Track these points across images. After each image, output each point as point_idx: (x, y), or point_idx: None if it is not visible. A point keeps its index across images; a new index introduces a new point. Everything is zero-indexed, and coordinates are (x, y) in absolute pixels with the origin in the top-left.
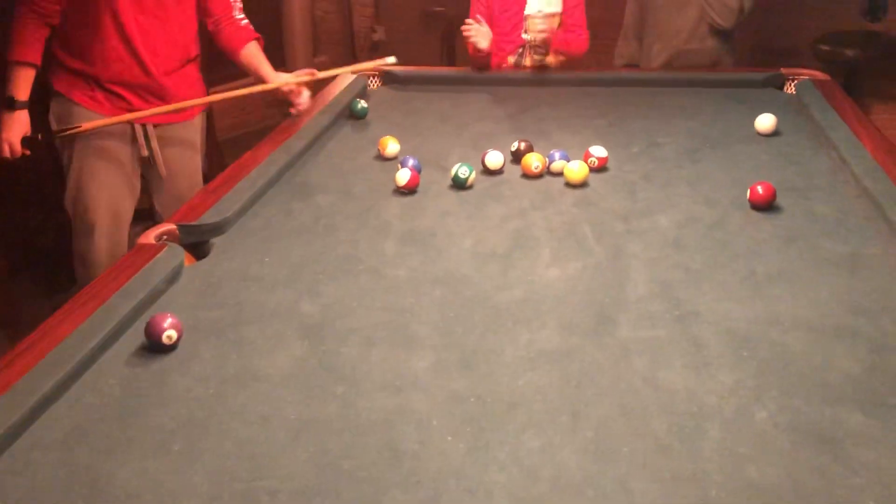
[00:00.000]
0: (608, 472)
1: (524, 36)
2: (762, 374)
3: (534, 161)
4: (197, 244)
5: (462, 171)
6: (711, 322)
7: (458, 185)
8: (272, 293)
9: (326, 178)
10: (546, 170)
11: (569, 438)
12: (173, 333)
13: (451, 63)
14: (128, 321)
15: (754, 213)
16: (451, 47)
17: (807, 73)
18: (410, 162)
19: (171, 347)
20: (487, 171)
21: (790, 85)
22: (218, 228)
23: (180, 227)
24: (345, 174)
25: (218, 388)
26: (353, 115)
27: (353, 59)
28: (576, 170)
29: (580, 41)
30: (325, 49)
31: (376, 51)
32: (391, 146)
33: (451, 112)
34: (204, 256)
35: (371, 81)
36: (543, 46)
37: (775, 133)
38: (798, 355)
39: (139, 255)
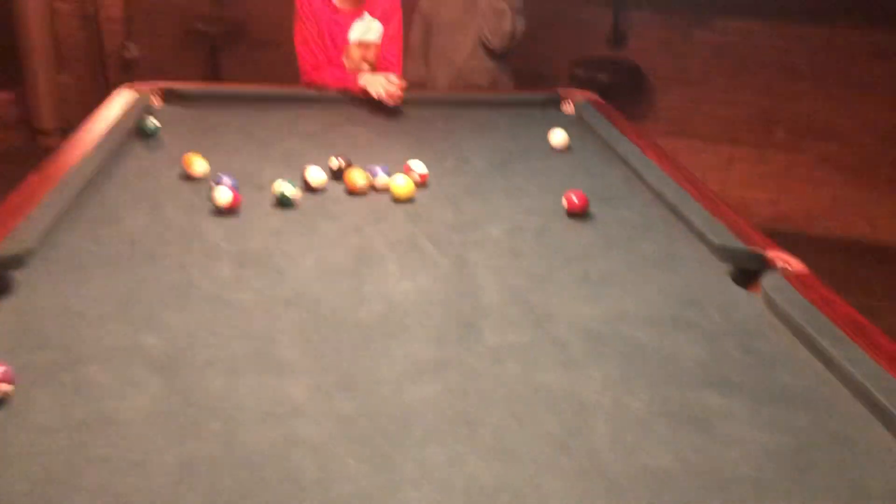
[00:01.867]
0: (517, 475)
1: (344, 60)
2: (625, 367)
3: (358, 177)
4: None
5: (286, 188)
6: (566, 322)
7: (283, 203)
8: (103, 328)
9: (131, 201)
10: (370, 186)
11: (471, 446)
12: (6, 387)
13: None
14: None
15: (572, 221)
16: (217, 66)
17: (580, 94)
18: (227, 180)
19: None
20: (309, 189)
21: (567, 104)
22: (17, 260)
23: None
24: (151, 195)
25: (70, 438)
26: (144, 134)
27: (104, 78)
28: (402, 185)
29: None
30: (69, 66)
31: (129, 70)
32: (198, 164)
33: (252, 129)
34: (6, 293)
35: (153, 98)
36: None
37: (568, 148)
38: (650, 347)
39: None
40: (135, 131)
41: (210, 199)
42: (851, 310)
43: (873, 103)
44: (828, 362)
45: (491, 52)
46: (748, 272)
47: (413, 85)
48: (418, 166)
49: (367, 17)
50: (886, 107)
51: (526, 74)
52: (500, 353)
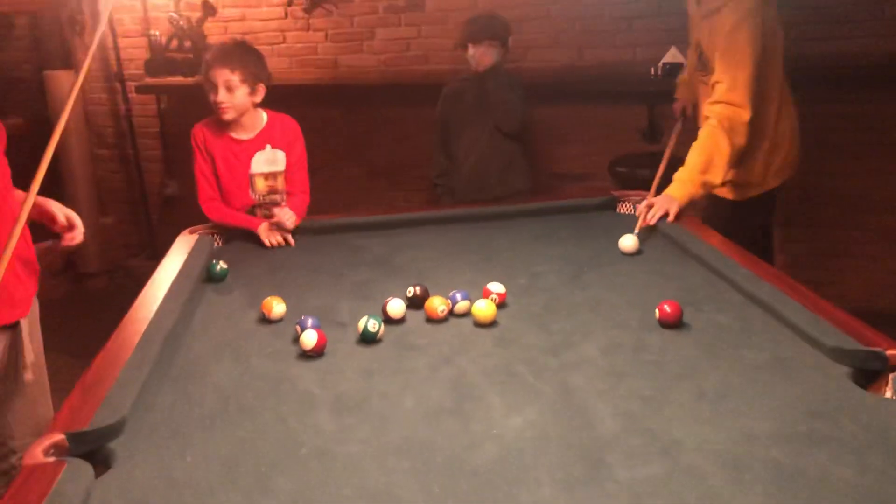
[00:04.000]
0: None
1: (251, 194)
2: (774, 496)
3: (439, 304)
4: (90, 453)
5: (371, 324)
6: (695, 448)
7: (368, 339)
8: (215, 498)
9: (214, 352)
10: (450, 312)
11: None
12: None
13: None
14: None
15: (667, 332)
16: None
17: (634, 195)
18: (311, 321)
19: None
20: (389, 321)
21: (623, 206)
22: (114, 430)
23: (70, 436)
24: (233, 344)
25: None
26: (213, 279)
27: (146, 217)
28: (484, 308)
29: (302, 206)
30: (111, 209)
31: (170, 205)
32: (277, 307)
33: (318, 262)
34: (107, 466)
35: (216, 238)
36: (275, 205)
37: (638, 252)
38: (793, 470)
39: (35, 481)
40: (204, 276)
41: (295, 342)
42: None
43: None
44: None
45: (505, 137)
46: (869, 372)
47: (439, 175)
48: (496, 287)
49: (268, 148)
50: None
51: (567, 176)
52: (636, 492)
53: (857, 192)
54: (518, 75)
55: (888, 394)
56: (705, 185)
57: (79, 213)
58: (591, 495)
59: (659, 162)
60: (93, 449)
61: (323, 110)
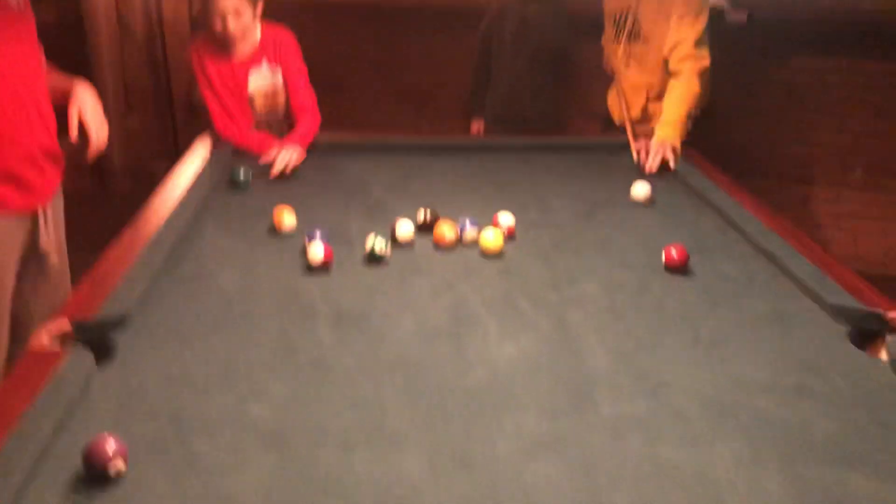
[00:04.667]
0: None
1: (252, 112)
2: (754, 442)
3: (448, 231)
4: (95, 344)
5: (378, 243)
6: (683, 390)
7: (374, 259)
8: (210, 397)
9: (223, 257)
10: (458, 239)
11: None
12: (121, 465)
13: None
14: (49, 448)
15: (671, 276)
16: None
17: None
18: (319, 235)
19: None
20: (397, 243)
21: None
22: (120, 323)
23: (76, 324)
24: (242, 251)
25: None
26: (234, 185)
27: (172, 122)
28: (492, 239)
29: (310, 130)
30: (137, 111)
31: (196, 112)
32: (288, 219)
33: (333, 179)
34: (110, 357)
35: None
36: (277, 122)
37: (651, 202)
38: (777, 418)
39: (39, 365)
40: (226, 181)
41: (302, 255)
42: None
43: None
44: None
45: (544, 63)
46: (867, 333)
47: (475, 91)
48: (506, 218)
49: (264, 64)
50: None
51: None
52: (618, 426)
53: (884, 153)
54: (566, 4)
55: (883, 356)
56: (692, 97)
57: (105, 112)
58: (573, 426)
59: None
60: (96, 339)
61: (353, 29)
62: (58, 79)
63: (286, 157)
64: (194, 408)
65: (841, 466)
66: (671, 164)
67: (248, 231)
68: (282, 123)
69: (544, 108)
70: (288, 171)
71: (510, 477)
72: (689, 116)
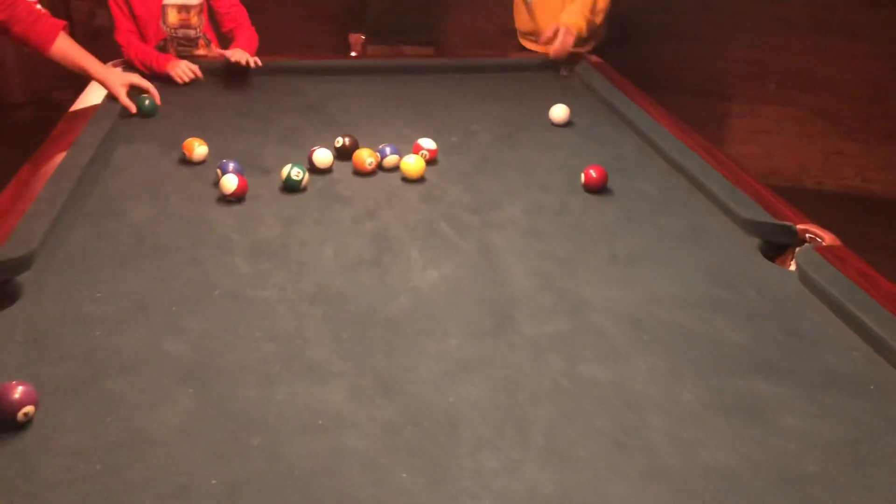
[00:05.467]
0: (578, 481)
1: (162, 26)
2: (670, 355)
3: (367, 157)
4: None
5: (295, 172)
6: (602, 308)
7: (292, 187)
8: (124, 335)
9: (132, 191)
10: (378, 165)
11: (525, 451)
12: (30, 408)
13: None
14: None
15: (590, 197)
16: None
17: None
18: (232, 166)
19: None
20: (316, 171)
21: (565, 68)
22: (24, 263)
23: None
24: (152, 184)
25: (105, 461)
26: (141, 114)
27: None
28: (413, 164)
29: (251, 43)
30: None
31: (100, 37)
32: (199, 149)
33: (246, 105)
34: (13, 299)
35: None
36: (188, 40)
37: (569, 123)
38: (691, 332)
39: None
40: (127, 111)
41: (215, 186)
42: (889, 283)
43: (866, 54)
44: (874, 342)
45: None
46: (777, 245)
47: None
48: (427, 143)
49: None
50: (879, 57)
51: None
52: (539, 346)
53: (797, 68)
54: None
55: (792, 267)
56: (589, 23)
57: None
58: (495, 347)
59: (611, 24)
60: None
61: None
62: None
63: (238, 55)
64: (108, 347)
65: (751, 374)
66: (570, 43)
67: (157, 163)
68: (192, 44)
69: (423, 21)
70: (250, 63)
71: (433, 400)
72: (592, 12)
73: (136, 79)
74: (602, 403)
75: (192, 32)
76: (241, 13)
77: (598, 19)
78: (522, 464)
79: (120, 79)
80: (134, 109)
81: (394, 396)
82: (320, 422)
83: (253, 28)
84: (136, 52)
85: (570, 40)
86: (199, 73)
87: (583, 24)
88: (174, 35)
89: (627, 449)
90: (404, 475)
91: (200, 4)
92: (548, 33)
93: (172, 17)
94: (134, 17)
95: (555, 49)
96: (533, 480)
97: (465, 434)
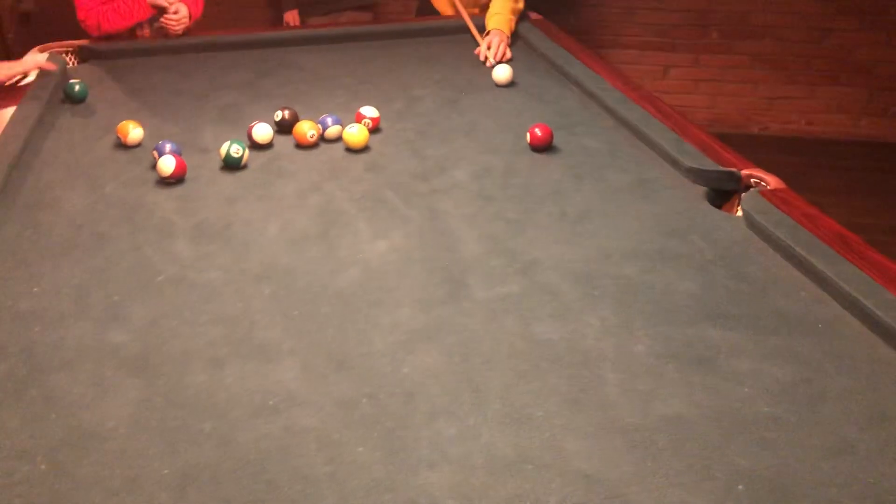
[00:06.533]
0: (535, 441)
1: None
2: (621, 309)
3: (308, 129)
4: None
5: (234, 149)
6: (552, 267)
7: (232, 165)
8: (64, 329)
9: (67, 179)
10: (320, 137)
11: (482, 415)
12: None
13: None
14: None
15: (537, 156)
16: None
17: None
18: (168, 147)
19: None
20: (256, 146)
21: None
22: None
23: None
24: (87, 170)
25: (51, 461)
26: (71, 100)
27: (0, 35)
28: (356, 133)
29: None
30: None
31: (27, 23)
32: (134, 131)
33: (181, 85)
34: None
35: (70, 58)
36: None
37: (512, 83)
38: (641, 284)
39: None
40: (59, 97)
41: (153, 169)
42: (834, 223)
43: None
44: (821, 282)
45: None
46: (723, 192)
47: None
48: (369, 111)
49: None
50: (817, 0)
51: None
52: (492, 309)
53: (737, 16)
54: None
55: (738, 212)
56: (514, 11)
57: None
58: (448, 313)
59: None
60: None
61: None
62: None
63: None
64: (48, 342)
65: (702, 322)
66: (507, 53)
67: (91, 149)
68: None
69: None
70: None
71: (388, 372)
72: (514, 12)
73: (46, 64)
74: (556, 362)
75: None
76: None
77: (521, 4)
78: (479, 428)
79: (34, 60)
80: (54, 66)
81: (347, 371)
82: (272, 402)
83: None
84: (102, 25)
85: (506, 45)
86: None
87: (511, 18)
88: None
89: (583, 405)
90: (360, 449)
91: None
92: (482, 51)
93: None
94: None
95: (495, 62)
96: (491, 444)
97: (420, 403)
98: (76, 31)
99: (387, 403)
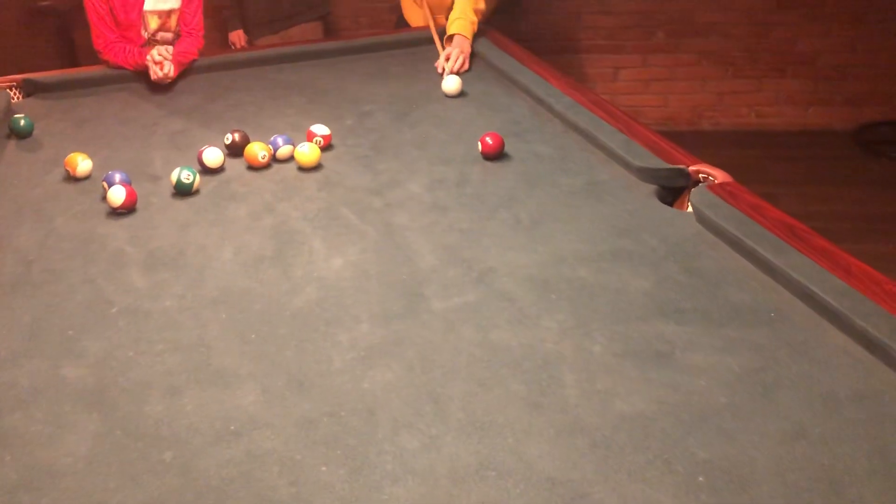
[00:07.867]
0: (498, 448)
1: (143, 33)
2: (577, 311)
3: (259, 151)
4: None
5: (185, 175)
6: (508, 274)
7: (183, 191)
8: (18, 367)
9: (14, 214)
10: (272, 158)
11: (444, 426)
12: None
13: (74, 63)
14: None
15: (489, 164)
16: (72, 47)
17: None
18: (118, 177)
19: None
20: (208, 171)
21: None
22: None
23: None
24: (36, 204)
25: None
26: (16, 135)
27: None
28: (307, 152)
29: (192, 49)
30: None
31: None
32: (83, 163)
33: (128, 114)
34: None
35: (14, 92)
36: (165, 43)
37: (461, 93)
38: (596, 285)
39: None
40: (4, 132)
41: (103, 200)
42: (780, 212)
43: None
44: (771, 271)
45: None
46: (674, 189)
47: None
48: (320, 129)
49: None
50: None
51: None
52: (450, 319)
53: (682, 15)
54: None
55: (688, 208)
56: (477, 12)
57: None
58: (407, 327)
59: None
60: None
61: None
62: None
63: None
64: (1, 382)
65: (657, 318)
66: (466, 64)
67: (40, 183)
68: (171, 43)
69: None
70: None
71: (348, 389)
72: (476, 2)
73: None
74: (516, 367)
75: (169, 36)
76: (197, 19)
77: (483, 5)
78: (442, 439)
79: None
80: None
81: (307, 391)
82: (233, 427)
83: (201, 35)
84: (117, 57)
85: (465, 56)
86: (169, 57)
87: (474, 20)
88: (153, 39)
89: (544, 409)
90: (323, 468)
91: (178, 9)
92: (440, 62)
93: (154, 24)
94: (117, 23)
95: (457, 70)
96: (453, 454)
97: (382, 418)
98: (26, 63)
99: (348, 420)
